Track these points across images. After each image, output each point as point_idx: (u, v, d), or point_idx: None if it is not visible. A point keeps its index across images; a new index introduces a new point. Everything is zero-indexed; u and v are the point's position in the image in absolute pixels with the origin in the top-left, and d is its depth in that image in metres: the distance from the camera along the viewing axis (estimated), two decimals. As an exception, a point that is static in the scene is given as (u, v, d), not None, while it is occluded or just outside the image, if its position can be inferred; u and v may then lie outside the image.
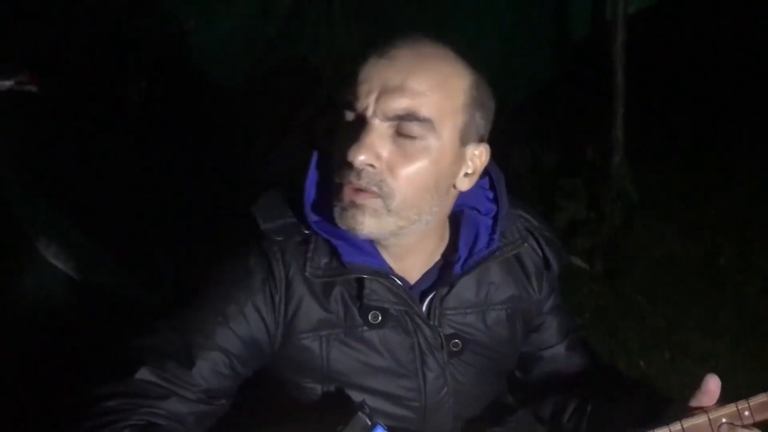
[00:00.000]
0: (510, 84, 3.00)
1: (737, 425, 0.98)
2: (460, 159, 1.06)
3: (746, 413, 0.98)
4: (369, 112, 0.99)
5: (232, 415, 1.10)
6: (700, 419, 0.98)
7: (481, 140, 1.09)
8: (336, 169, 1.02)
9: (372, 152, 0.99)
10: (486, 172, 1.14)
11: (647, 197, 3.36)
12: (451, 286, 1.12)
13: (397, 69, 1.00)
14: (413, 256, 1.11)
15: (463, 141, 1.05)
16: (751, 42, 4.23)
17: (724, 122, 4.20)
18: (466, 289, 1.13)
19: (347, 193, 1.00)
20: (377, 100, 0.99)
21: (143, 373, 1.01)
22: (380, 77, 1.00)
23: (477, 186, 1.14)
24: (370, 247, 1.08)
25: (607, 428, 1.14)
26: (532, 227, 1.20)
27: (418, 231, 1.07)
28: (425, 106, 0.99)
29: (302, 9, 3.29)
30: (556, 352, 1.27)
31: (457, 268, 1.11)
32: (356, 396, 1.10)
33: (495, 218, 1.13)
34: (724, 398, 1.01)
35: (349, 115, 1.02)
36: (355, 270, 1.06)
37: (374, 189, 1.00)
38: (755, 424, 0.99)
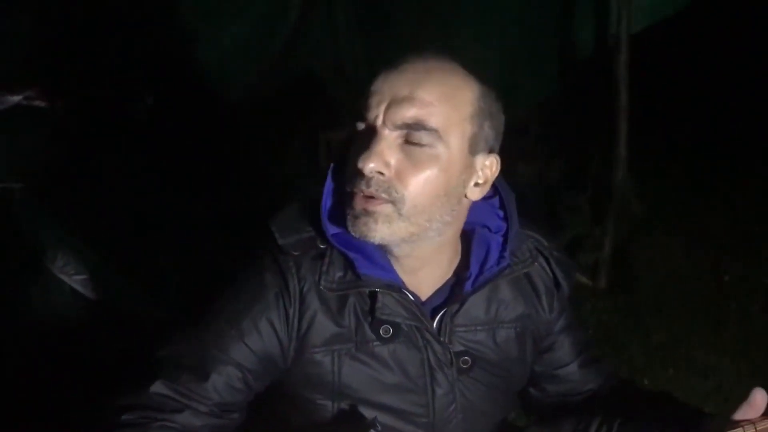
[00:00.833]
0: (514, 100, 3.01)
1: None
2: (469, 168, 1.07)
3: None
4: (379, 122, 1.02)
5: (245, 430, 1.10)
6: (748, 430, 0.98)
7: (490, 151, 1.10)
8: (348, 179, 1.04)
9: (381, 160, 1.01)
10: (496, 191, 1.16)
11: (651, 213, 3.37)
12: (462, 304, 1.13)
13: (407, 80, 1.03)
14: (426, 270, 1.12)
15: (472, 150, 1.07)
16: (756, 59, 4.25)
17: (729, 139, 4.20)
18: (476, 306, 1.14)
19: (359, 201, 1.03)
20: (386, 109, 1.02)
21: (158, 387, 1.03)
22: (390, 88, 1.03)
23: (488, 204, 1.15)
24: (384, 260, 1.09)
25: None
26: (542, 247, 1.20)
27: (431, 241, 1.08)
28: (433, 116, 1.02)
29: (306, 20, 3.32)
30: (570, 371, 1.27)
31: (468, 285, 1.12)
32: (367, 412, 1.10)
33: (505, 236, 1.14)
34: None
35: (361, 126, 1.05)
36: (369, 283, 1.07)
37: (384, 195, 1.01)
38: None
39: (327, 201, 1.09)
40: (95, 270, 2.31)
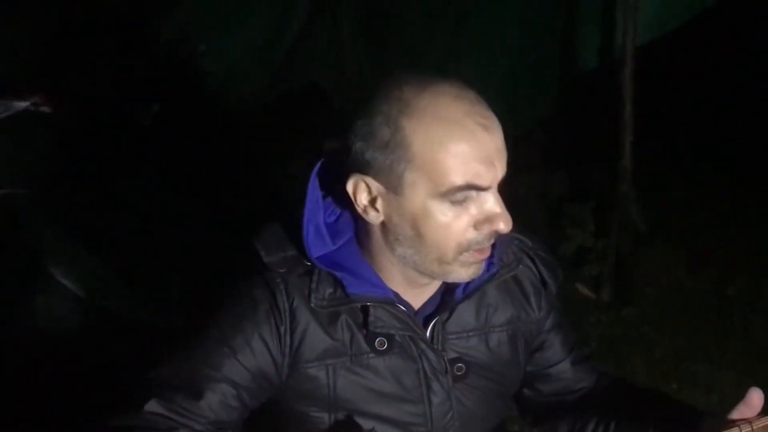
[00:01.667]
0: (518, 111, 3.01)
1: None
2: None
3: None
4: (495, 186, 1.02)
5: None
6: (744, 429, 0.99)
7: None
8: (463, 244, 1.02)
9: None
10: None
11: (655, 227, 3.36)
12: (452, 311, 1.13)
13: (497, 142, 1.01)
14: (419, 282, 1.12)
15: None
16: (762, 71, 4.24)
17: (734, 151, 4.20)
18: (465, 313, 1.15)
19: (480, 254, 1.05)
20: (497, 170, 1.01)
21: (152, 406, 1.03)
22: (489, 150, 1.00)
23: None
24: (375, 278, 1.09)
25: None
26: (527, 247, 1.21)
27: None
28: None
29: (311, 33, 3.33)
30: (562, 368, 1.27)
31: (459, 292, 1.12)
32: (364, 423, 1.10)
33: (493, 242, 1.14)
34: None
35: (471, 194, 1.01)
36: (361, 300, 1.07)
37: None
38: None
39: (309, 226, 1.07)
40: (97, 275, 2.32)
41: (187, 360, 1.07)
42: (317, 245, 1.08)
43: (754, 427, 0.99)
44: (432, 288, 1.14)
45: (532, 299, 1.21)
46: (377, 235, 1.07)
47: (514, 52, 3.14)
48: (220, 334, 1.07)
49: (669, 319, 3.09)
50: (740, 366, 2.76)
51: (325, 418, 1.10)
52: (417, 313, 1.14)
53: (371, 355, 1.09)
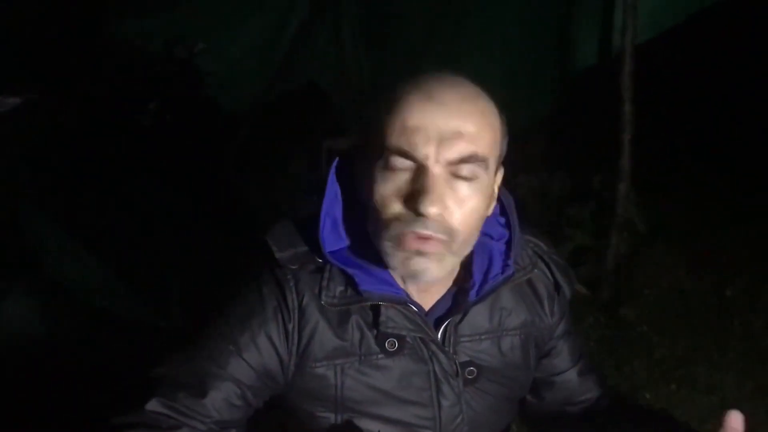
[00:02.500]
0: (516, 111, 3.00)
1: None
2: (493, 187, 1.07)
3: None
4: (430, 161, 0.98)
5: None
6: None
7: (501, 164, 1.10)
8: (391, 217, 1.00)
9: (442, 203, 0.98)
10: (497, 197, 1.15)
11: (655, 227, 3.36)
12: (465, 313, 1.12)
13: (449, 113, 0.98)
14: (431, 283, 1.10)
15: (497, 170, 1.07)
16: (762, 71, 4.23)
17: (734, 152, 4.19)
18: (479, 315, 1.13)
19: (412, 242, 0.99)
20: (437, 147, 0.98)
21: (154, 405, 1.01)
22: (434, 123, 0.98)
23: None
24: (385, 274, 1.07)
25: None
26: (542, 251, 1.19)
27: None
28: (481, 147, 0.99)
29: (311, 33, 3.33)
30: (568, 377, 1.26)
31: (472, 294, 1.10)
32: (370, 425, 1.09)
33: (508, 243, 1.13)
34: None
35: (404, 163, 0.99)
36: (373, 298, 1.06)
37: (440, 236, 0.99)
38: None
39: (326, 221, 1.06)
40: (96, 275, 2.31)
41: (191, 358, 1.05)
42: (332, 239, 1.07)
43: None
44: (442, 288, 1.12)
45: (546, 304, 1.19)
46: None
47: (513, 51, 3.14)
48: (226, 332, 1.05)
49: (669, 320, 3.08)
50: (740, 367, 2.76)
51: (331, 418, 1.09)
52: (428, 314, 1.12)
53: (381, 356, 1.08)
